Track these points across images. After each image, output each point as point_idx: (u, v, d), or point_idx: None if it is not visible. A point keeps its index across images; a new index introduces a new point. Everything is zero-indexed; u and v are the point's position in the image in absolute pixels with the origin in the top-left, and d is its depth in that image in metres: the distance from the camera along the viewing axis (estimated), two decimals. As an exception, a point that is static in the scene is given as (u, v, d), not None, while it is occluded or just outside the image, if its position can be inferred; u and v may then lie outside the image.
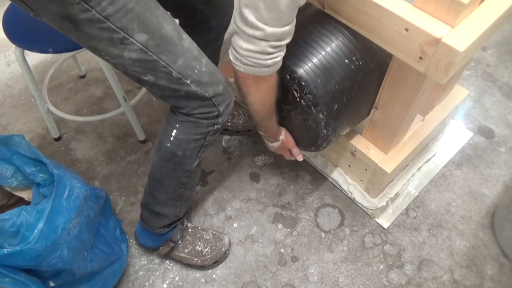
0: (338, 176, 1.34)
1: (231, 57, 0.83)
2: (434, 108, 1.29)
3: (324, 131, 1.00)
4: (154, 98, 1.60)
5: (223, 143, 1.48)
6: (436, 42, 0.76)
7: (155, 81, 0.81)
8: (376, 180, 1.21)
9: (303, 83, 0.93)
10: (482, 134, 1.49)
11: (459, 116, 1.53)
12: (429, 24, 0.77)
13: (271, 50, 0.77)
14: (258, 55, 0.77)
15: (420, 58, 0.81)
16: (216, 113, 0.90)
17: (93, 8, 0.68)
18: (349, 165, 1.28)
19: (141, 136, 1.46)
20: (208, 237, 1.19)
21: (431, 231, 1.26)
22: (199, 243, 1.18)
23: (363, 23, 0.88)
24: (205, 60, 0.85)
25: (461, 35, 0.76)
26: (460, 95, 1.33)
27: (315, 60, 0.94)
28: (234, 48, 0.80)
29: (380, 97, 1.05)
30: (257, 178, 1.39)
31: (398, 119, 1.05)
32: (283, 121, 1.13)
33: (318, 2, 0.95)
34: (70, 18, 0.69)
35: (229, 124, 1.45)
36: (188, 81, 0.82)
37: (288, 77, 0.95)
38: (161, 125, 1.50)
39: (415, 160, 1.36)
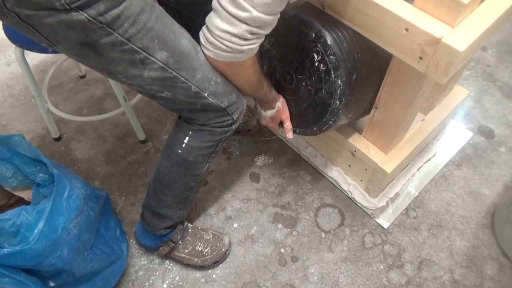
0: (338, 176, 1.34)
1: (201, 39, 0.77)
2: (434, 108, 1.29)
3: (337, 102, 0.98)
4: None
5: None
6: (436, 42, 0.76)
7: (172, 96, 0.81)
8: (376, 180, 1.21)
9: (329, 43, 0.92)
10: (482, 134, 1.49)
11: (459, 116, 1.53)
12: (429, 24, 0.77)
13: (249, 36, 0.72)
14: (234, 39, 0.72)
15: (420, 58, 0.81)
16: (230, 122, 0.91)
17: (116, 30, 0.67)
18: (349, 165, 1.28)
19: (141, 136, 1.46)
20: (208, 237, 1.19)
21: (431, 231, 1.26)
22: (199, 243, 1.18)
23: (363, 23, 0.88)
24: (218, 72, 0.85)
25: (461, 35, 0.76)
26: (460, 95, 1.33)
27: (342, 25, 0.94)
28: (208, 29, 0.74)
29: (380, 97, 1.05)
30: (257, 178, 1.39)
31: (398, 119, 1.05)
32: (288, 96, 1.11)
33: (318, 2, 0.95)
34: (90, 44, 0.68)
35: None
36: (206, 94, 0.82)
37: (314, 35, 0.93)
38: (161, 125, 1.51)
39: (415, 160, 1.37)
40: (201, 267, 1.18)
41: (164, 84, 0.78)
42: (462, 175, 1.38)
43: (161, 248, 1.15)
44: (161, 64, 0.74)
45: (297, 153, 1.44)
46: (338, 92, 0.96)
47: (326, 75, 0.96)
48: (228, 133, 0.93)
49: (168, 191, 1.02)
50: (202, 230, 1.21)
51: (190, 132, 0.91)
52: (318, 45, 0.93)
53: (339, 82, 0.95)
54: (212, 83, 0.83)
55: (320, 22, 0.93)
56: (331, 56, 0.93)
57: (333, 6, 0.92)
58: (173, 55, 0.75)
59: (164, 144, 0.99)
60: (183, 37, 0.77)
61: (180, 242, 1.17)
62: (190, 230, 1.19)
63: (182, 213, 1.10)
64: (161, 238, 1.14)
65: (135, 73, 0.74)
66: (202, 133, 0.91)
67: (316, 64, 0.96)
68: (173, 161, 0.96)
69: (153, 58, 0.73)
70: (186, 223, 1.19)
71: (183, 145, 0.92)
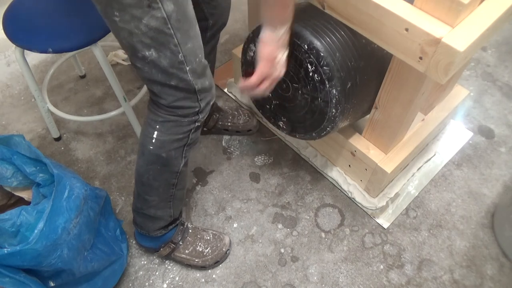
0: (338, 176, 1.34)
1: None
2: (434, 108, 1.29)
3: (333, 110, 0.99)
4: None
5: (223, 143, 1.48)
6: (436, 42, 0.76)
7: (156, 59, 0.78)
8: (376, 180, 1.21)
9: (322, 54, 0.92)
10: (482, 134, 1.49)
11: (459, 116, 1.53)
12: (429, 24, 0.77)
13: None
14: None
15: (420, 58, 0.81)
16: (197, 109, 0.89)
17: None
18: (349, 165, 1.28)
19: (141, 136, 1.46)
20: (208, 238, 1.19)
21: (431, 231, 1.26)
22: (199, 244, 1.18)
23: (363, 23, 0.88)
24: (203, 52, 0.85)
25: (461, 35, 0.76)
26: (460, 95, 1.33)
27: (334, 34, 0.94)
28: None
29: (380, 97, 1.05)
30: (257, 178, 1.39)
31: (398, 119, 1.05)
32: (286, 103, 1.11)
33: (318, 2, 0.95)
34: None
35: (229, 124, 1.45)
36: (188, 68, 0.81)
37: (306, 47, 0.93)
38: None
39: (415, 160, 1.37)
40: (202, 267, 1.18)
41: (157, 40, 0.76)
42: (462, 175, 1.38)
43: (161, 249, 1.15)
44: (165, 15, 0.73)
45: (297, 153, 1.44)
46: (334, 101, 0.97)
47: (321, 85, 0.96)
48: (196, 123, 0.91)
49: (151, 190, 1.01)
50: (203, 230, 1.21)
51: (158, 126, 0.90)
52: (311, 56, 0.94)
53: (334, 92, 0.96)
54: (197, 60, 0.82)
55: (312, 32, 0.93)
56: (324, 67, 0.93)
57: (333, 6, 0.92)
58: (178, 11, 0.74)
59: (138, 144, 0.98)
60: (189, 3, 0.78)
61: (180, 243, 1.17)
62: (190, 231, 1.19)
63: (172, 212, 1.08)
64: (160, 239, 1.14)
65: (136, 14, 0.72)
66: (169, 125, 0.89)
67: (311, 74, 0.97)
68: (147, 159, 0.95)
69: (160, 5, 0.72)
70: (186, 223, 1.19)
71: (153, 140, 0.91)
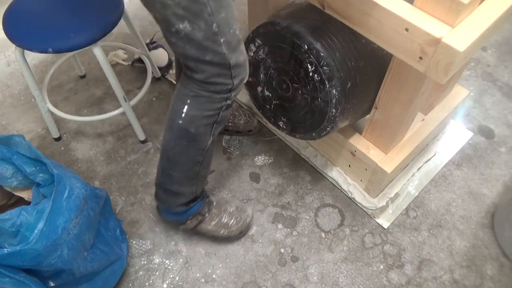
0: (338, 176, 1.34)
1: None
2: (434, 108, 1.29)
3: (333, 110, 0.99)
4: (154, 98, 1.60)
5: (223, 143, 1.48)
6: (436, 42, 0.76)
7: (190, 32, 0.77)
8: (376, 180, 1.21)
9: (322, 54, 0.92)
10: (482, 134, 1.49)
11: (459, 116, 1.53)
12: (429, 24, 0.78)
13: None
14: None
15: (420, 58, 0.81)
16: (230, 87, 0.88)
17: None
18: (349, 165, 1.28)
19: (141, 136, 1.46)
20: (232, 210, 1.21)
21: (431, 231, 1.26)
22: (224, 215, 1.19)
23: (363, 23, 0.88)
24: (236, 24, 0.83)
25: (461, 35, 0.76)
26: (460, 95, 1.33)
27: (334, 34, 0.94)
28: None
29: (380, 97, 1.05)
30: (257, 178, 1.39)
31: (398, 119, 1.05)
32: (286, 103, 1.11)
33: (318, 2, 0.95)
34: None
35: (229, 124, 1.45)
36: (222, 40, 0.80)
37: (306, 47, 0.94)
38: (161, 125, 1.51)
39: (415, 160, 1.37)
40: (227, 238, 1.20)
41: (190, 9, 0.75)
42: (462, 175, 1.38)
43: (189, 221, 1.15)
44: None
45: (297, 153, 1.44)
46: (334, 101, 0.97)
47: (321, 85, 0.97)
48: (228, 101, 0.91)
49: (176, 166, 1.00)
50: (225, 202, 1.23)
51: (189, 100, 0.89)
52: (311, 56, 0.94)
53: (334, 92, 0.96)
54: (231, 31, 0.81)
55: (312, 33, 0.93)
56: (324, 67, 0.93)
57: (333, 6, 0.92)
58: None
59: (166, 119, 0.96)
60: None
61: (207, 215, 1.17)
62: (215, 203, 1.20)
63: (195, 189, 1.08)
64: (185, 213, 1.13)
65: None
66: (201, 100, 0.88)
67: (311, 74, 0.97)
68: (175, 133, 0.94)
69: None
70: (210, 196, 1.20)
71: (183, 115, 0.90)
